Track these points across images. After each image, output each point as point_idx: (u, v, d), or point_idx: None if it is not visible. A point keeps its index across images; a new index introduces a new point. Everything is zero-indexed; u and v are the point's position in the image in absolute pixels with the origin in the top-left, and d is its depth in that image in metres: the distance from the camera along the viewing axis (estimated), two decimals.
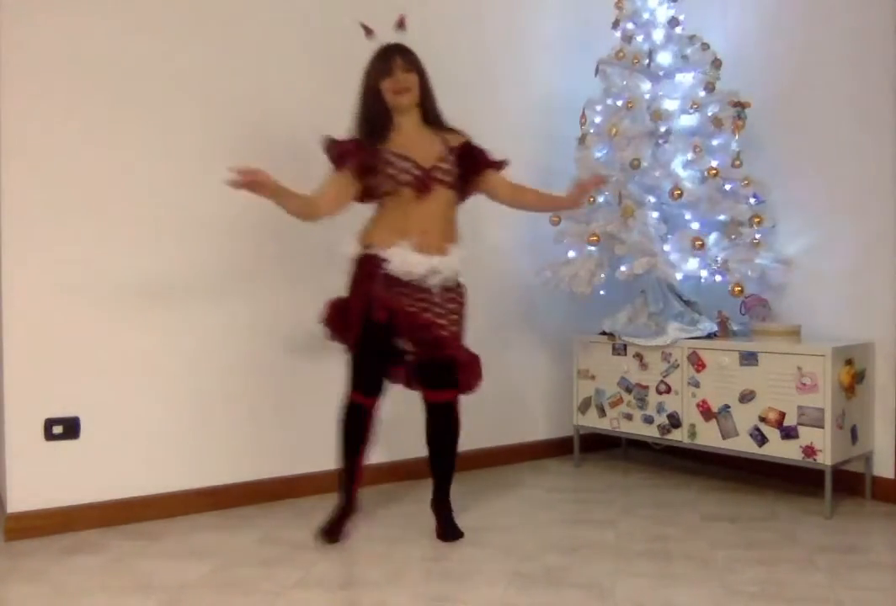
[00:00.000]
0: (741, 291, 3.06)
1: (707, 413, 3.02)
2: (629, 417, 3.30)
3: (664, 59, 3.24)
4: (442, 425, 2.52)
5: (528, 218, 3.25)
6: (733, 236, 3.09)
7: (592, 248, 3.29)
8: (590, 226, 3.24)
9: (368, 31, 2.52)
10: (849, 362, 2.78)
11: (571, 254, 3.36)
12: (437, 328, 2.40)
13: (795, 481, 3.08)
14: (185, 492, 2.80)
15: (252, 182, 2.19)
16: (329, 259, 3.05)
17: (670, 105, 3.18)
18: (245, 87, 2.92)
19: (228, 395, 2.88)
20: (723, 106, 3.14)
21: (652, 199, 3.18)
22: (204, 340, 2.84)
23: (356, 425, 2.47)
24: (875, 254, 2.93)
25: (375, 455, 2.98)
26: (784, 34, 3.23)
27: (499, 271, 3.52)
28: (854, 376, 2.80)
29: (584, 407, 3.48)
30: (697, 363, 3.06)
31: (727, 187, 3.11)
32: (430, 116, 2.53)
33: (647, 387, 3.23)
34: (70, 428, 2.60)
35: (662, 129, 3.14)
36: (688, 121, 3.16)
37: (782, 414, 2.80)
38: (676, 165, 3.12)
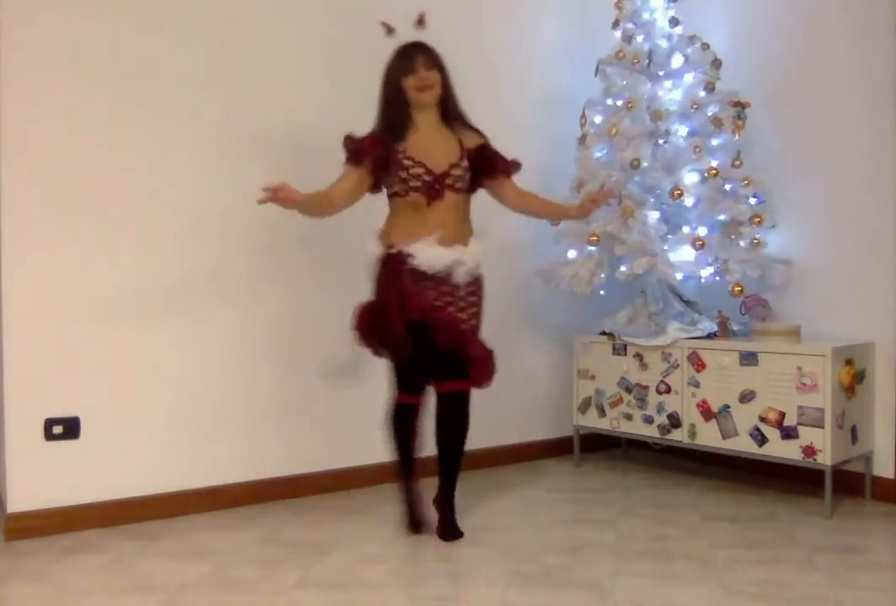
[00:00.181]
0: (741, 291, 3.06)
1: (707, 413, 3.02)
2: (629, 417, 3.30)
3: (664, 59, 3.24)
4: (451, 417, 2.50)
5: (527, 218, 3.24)
6: (733, 236, 3.09)
7: (592, 248, 3.29)
8: (590, 226, 3.24)
9: (390, 30, 2.51)
10: (849, 362, 2.78)
11: (571, 253, 3.37)
12: (459, 322, 2.43)
13: (795, 481, 3.08)
14: (185, 492, 2.80)
15: (281, 198, 2.20)
16: (329, 258, 3.07)
17: (670, 104, 3.18)
18: (245, 86, 2.92)
19: (228, 395, 2.89)
20: (723, 106, 3.14)
21: (652, 199, 3.18)
22: (204, 340, 2.84)
23: (403, 423, 2.58)
24: (875, 254, 2.93)
25: (375, 455, 2.99)
26: (784, 34, 3.23)
27: (499, 271, 3.50)
28: (854, 376, 2.80)
29: (584, 407, 3.48)
30: (697, 363, 3.05)
31: (727, 187, 3.11)
32: (451, 114, 2.53)
33: (647, 387, 3.23)
34: (70, 428, 2.60)
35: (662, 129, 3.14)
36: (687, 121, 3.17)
37: (782, 414, 2.80)
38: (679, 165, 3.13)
